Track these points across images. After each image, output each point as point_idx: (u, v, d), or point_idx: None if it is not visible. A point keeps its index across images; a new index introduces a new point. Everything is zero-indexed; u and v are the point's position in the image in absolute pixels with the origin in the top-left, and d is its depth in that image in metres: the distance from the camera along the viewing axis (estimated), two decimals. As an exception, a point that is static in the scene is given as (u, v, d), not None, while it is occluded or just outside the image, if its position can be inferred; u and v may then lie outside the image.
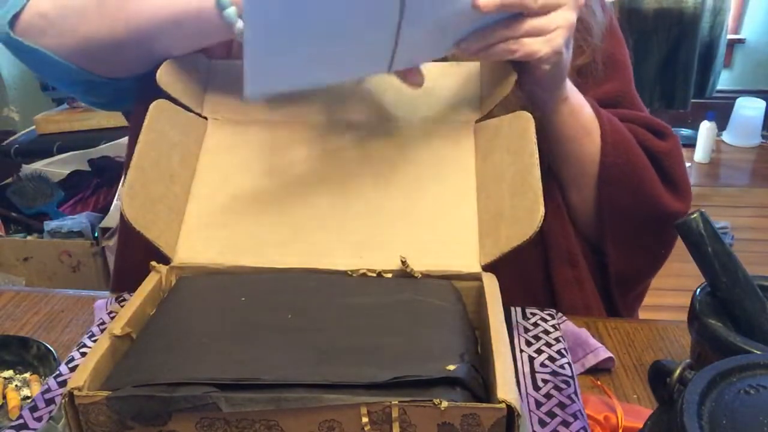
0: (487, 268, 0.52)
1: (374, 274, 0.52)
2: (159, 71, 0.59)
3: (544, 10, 0.57)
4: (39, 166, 2.20)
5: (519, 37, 0.57)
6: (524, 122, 0.55)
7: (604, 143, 0.71)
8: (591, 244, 0.78)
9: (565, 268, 0.75)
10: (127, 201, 0.51)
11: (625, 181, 0.72)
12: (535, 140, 0.53)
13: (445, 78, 0.63)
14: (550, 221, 0.74)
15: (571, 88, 0.68)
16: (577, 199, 0.75)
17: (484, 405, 0.37)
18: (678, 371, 0.39)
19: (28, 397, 0.62)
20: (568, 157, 0.73)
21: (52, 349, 0.66)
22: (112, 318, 0.46)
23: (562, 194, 0.76)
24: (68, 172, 2.19)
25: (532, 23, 0.57)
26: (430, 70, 0.63)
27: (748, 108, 3.40)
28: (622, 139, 0.72)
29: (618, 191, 0.72)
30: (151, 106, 0.56)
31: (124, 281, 0.80)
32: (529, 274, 0.76)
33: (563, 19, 0.58)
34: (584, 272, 0.76)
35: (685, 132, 3.46)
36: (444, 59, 0.65)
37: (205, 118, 0.62)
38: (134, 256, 0.76)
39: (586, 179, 0.73)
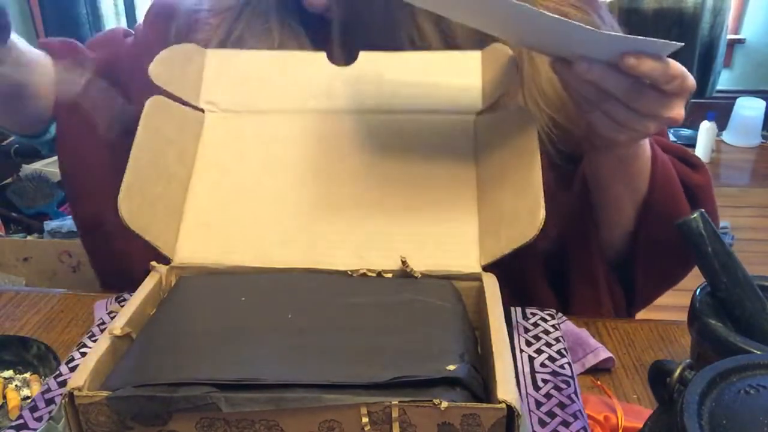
0: (487, 268, 0.52)
1: (374, 274, 0.52)
2: (152, 65, 0.58)
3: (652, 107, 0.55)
4: (39, 166, 2.20)
5: (607, 112, 0.56)
6: (526, 119, 0.55)
7: (652, 188, 0.70)
8: (610, 264, 0.78)
9: (586, 289, 0.76)
10: (124, 203, 0.50)
11: (666, 221, 0.71)
12: (536, 138, 0.53)
13: (446, 68, 0.62)
14: (574, 240, 0.75)
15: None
16: (608, 229, 0.75)
17: (484, 405, 0.37)
18: (678, 371, 0.39)
19: (28, 397, 0.62)
20: (608, 196, 0.73)
21: (52, 349, 0.66)
22: (112, 318, 0.46)
23: (591, 216, 0.75)
24: (68, 172, 2.18)
25: (626, 114, 0.55)
26: (430, 59, 0.63)
27: (748, 108, 3.40)
28: (669, 183, 0.71)
29: (657, 229, 0.72)
30: (147, 103, 0.56)
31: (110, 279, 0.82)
32: (545, 293, 0.76)
33: (653, 124, 0.56)
34: (603, 292, 0.76)
35: (685, 132, 3.47)
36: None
37: (202, 110, 0.61)
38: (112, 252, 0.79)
39: (622, 216, 0.73)
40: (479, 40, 0.67)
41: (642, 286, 0.77)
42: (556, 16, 0.47)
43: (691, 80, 0.55)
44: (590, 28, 0.48)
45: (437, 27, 0.68)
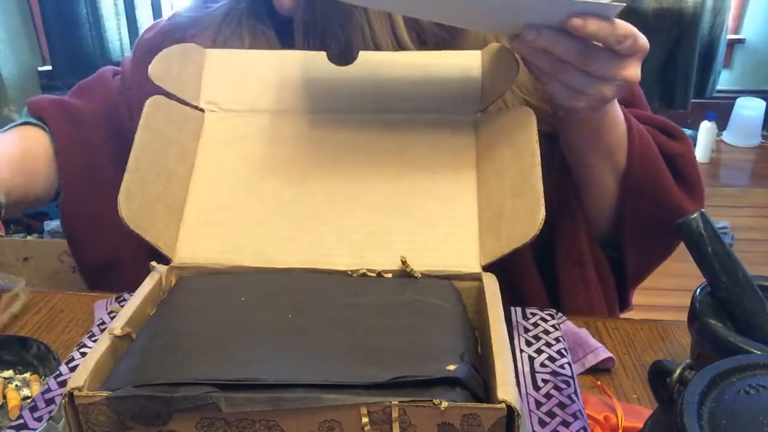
0: (487, 268, 0.52)
1: (374, 274, 0.52)
2: (152, 65, 0.59)
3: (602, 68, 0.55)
4: (39, 166, 2.19)
5: (563, 80, 0.57)
6: (526, 118, 0.55)
7: (631, 159, 0.70)
8: (599, 241, 0.78)
9: (572, 268, 0.76)
10: (124, 204, 0.50)
11: (648, 192, 0.72)
12: (536, 137, 0.53)
13: (445, 67, 0.62)
14: (559, 219, 0.75)
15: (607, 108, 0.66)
16: (593, 206, 0.76)
17: (484, 405, 0.37)
18: (678, 371, 0.39)
19: (28, 397, 0.62)
20: (587, 172, 0.73)
21: (52, 349, 0.66)
22: (112, 318, 0.46)
23: (575, 192, 0.76)
24: (68, 172, 2.18)
25: (581, 79, 0.56)
26: (430, 59, 0.63)
27: (748, 108, 3.40)
28: (648, 154, 0.72)
29: (641, 202, 0.72)
30: (147, 103, 0.56)
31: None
32: (532, 273, 0.76)
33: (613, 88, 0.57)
34: (590, 271, 0.76)
35: (685, 132, 3.46)
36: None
37: (202, 110, 0.61)
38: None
39: (605, 191, 0.73)
40: (433, 43, 0.68)
41: (632, 261, 0.77)
42: None
43: (643, 40, 0.55)
44: None
45: (390, 30, 0.69)
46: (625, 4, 0.52)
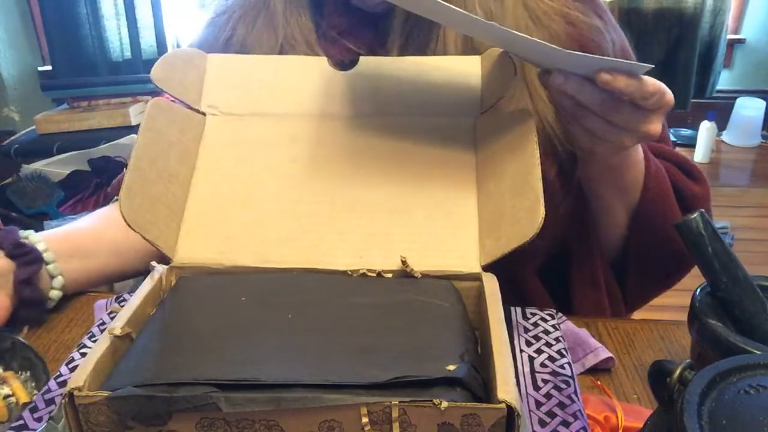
0: (487, 268, 0.52)
1: (374, 274, 0.52)
2: (154, 68, 0.59)
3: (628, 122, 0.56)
4: (39, 166, 2.20)
5: (584, 125, 0.57)
6: (526, 120, 0.55)
7: (644, 199, 0.71)
8: (609, 263, 0.79)
9: (588, 289, 0.76)
10: (125, 203, 0.50)
11: (657, 230, 0.73)
12: (536, 139, 0.53)
13: (446, 71, 0.62)
14: (575, 242, 0.76)
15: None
16: (604, 234, 0.77)
17: (484, 405, 0.37)
18: (678, 371, 0.39)
19: (9, 395, 0.61)
20: (601, 203, 0.74)
21: (23, 340, 0.64)
22: (112, 318, 0.46)
23: (590, 217, 0.76)
24: (68, 172, 2.18)
25: (603, 127, 0.56)
26: (429, 63, 0.63)
27: (748, 108, 3.40)
28: (661, 194, 0.72)
29: (648, 237, 0.73)
30: (149, 105, 0.56)
31: None
32: (540, 294, 0.77)
33: (642, 132, 0.57)
34: (604, 294, 0.77)
35: (685, 132, 3.47)
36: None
37: (203, 113, 0.62)
38: None
39: (617, 223, 0.74)
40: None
41: (633, 289, 0.79)
42: (525, 35, 0.49)
43: (669, 96, 0.56)
44: (559, 48, 0.50)
45: (461, 37, 0.69)
46: (652, 66, 0.52)
